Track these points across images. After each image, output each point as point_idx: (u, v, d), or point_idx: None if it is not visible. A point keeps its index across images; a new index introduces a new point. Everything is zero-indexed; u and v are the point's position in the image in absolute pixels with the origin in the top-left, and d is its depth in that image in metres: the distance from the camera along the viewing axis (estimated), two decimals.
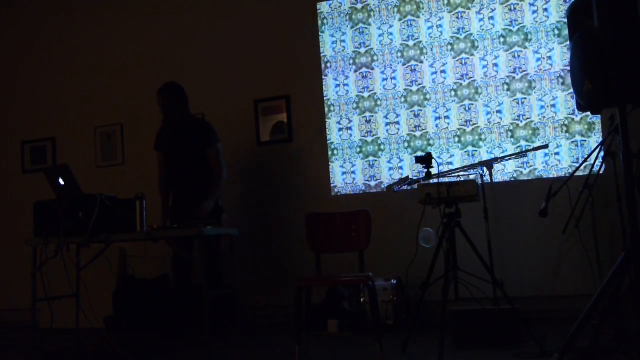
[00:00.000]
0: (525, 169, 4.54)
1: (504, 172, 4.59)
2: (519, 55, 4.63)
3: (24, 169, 6.11)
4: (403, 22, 4.94)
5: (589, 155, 3.66)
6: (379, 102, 4.96)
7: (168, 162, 4.55)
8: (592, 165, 3.59)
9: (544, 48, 4.57)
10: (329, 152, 5.07)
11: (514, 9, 4.66)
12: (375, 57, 5.00)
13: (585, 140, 4.44)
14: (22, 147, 6.12)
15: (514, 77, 4.64)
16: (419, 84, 4.86)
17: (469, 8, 4.78)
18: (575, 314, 2.66)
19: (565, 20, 3.19)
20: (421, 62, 4.87)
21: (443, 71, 4.80)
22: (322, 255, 3.71)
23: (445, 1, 4.84)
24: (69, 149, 5.90)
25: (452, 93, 4.78)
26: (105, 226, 3.73)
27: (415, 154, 4.79)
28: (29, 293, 3.87)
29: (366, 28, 5.04)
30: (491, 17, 4.72)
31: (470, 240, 3.40)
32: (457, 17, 4.80)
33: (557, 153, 4.50)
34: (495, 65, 4.68)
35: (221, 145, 4.49)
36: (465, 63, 4.76)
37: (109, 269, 4.06)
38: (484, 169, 3.98)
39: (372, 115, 4.97)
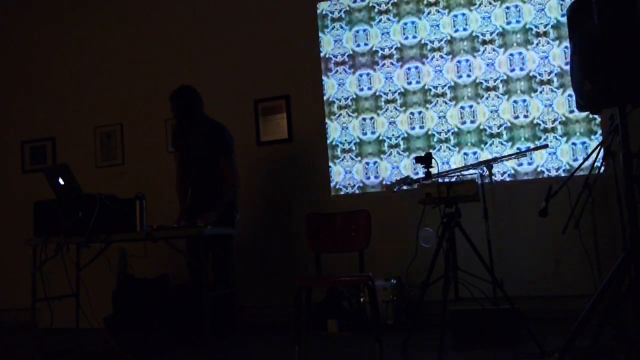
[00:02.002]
0: (525, 168, 4.55)
1: (504, 172, 4.59)
2: (520, 54, 4.64)
3: (24, 169, 6.11)
4: (403, 21, 4.94)
5: (589, 155, 3.65)
6: (379, 102, 4.96)
7: (184, 163, 4.53)
8: (592, 165, 3.59)
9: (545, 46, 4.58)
10: (329, 152, 5.07)
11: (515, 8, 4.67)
12: (375, 57, 5.00)
13: (585, 141, 4.45)
14: (22, 147, 6.12)
15: (514, 77, 4.64)
16: (420, 84, 4.87)
17: (470, 10, 4.78)
18: (575, 314, 2.66)
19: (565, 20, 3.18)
20: (423, 63, 4.87)
21: (440, 71, 4.81)
22: (322, 255, 3.71)
23: (445, 1, 4.84)
24: (69, 149, 5.91)
25: (453, 92, 4.78)
26: (105, 226, 3.73)
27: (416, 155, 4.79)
28: (29, 293, 3.87)
29: (366, 28, 5.04)
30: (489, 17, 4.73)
31: (470, 240, 3.40)
32: (457, 16, 4.81)
33: (554, 153, 4.50)
34: (494, 64, 4.69)
35: (235, 155, 4.45)
36: (466, 62, 4.76)
37: (109, 269, 4.06)
38: (484, 169, 3.98)
39: (373, 116, 4.97)
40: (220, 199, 4.27)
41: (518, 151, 4.46)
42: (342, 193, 5.02)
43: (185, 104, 4.31)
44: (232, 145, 4.45)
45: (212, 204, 4.24)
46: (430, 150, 4.67)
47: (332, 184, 5.05)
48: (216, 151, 4.38)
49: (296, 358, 3.22)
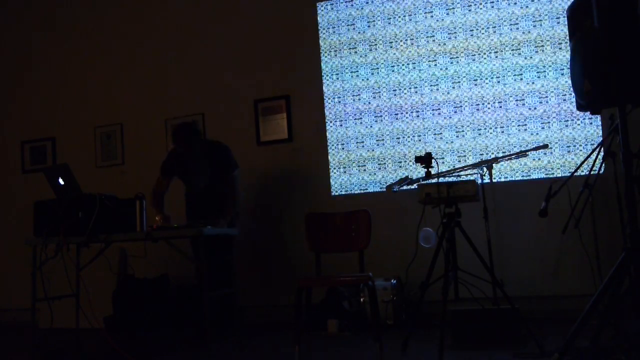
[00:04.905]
0: (524, 169, 4.55)
1: (504, 172, 4.59)
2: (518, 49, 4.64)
3: (24, 169, 6.11)
4: (406, 20, 4.94)
5: (589, 155, 3.65)
6: (379, 100, 4.97)
7: (186, 189, 4.66)
8: (592, 165, 3.59)
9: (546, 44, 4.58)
10: (329, 152, 5.07)
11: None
12: (375, 54, 5.00)
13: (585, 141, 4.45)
14: (22, 147, 6.12)
15: (514, 75, 4.65)
16: (420, 83, 4.87)
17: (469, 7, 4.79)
18: (575, 314, 2.66)
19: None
20: (422, 61, 4.87)
21: (441, 68, 4.82)
22: (322, 255, 3.71)
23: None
24: (69, 149, 5.91)
25: (453, 91, 4.78)
26: (105, 226, 3.73)
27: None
28: (29, 293, 3.87)
29: (366, 27, 5.04)
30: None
31: (470, 240, 3.40)
32: (458, 13, 4.81)
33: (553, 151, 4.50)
34: (495, 59, 4.69)
35: (239, 170, 4.56)
36: (467, 58, 4.77)
37: (109, 269, 4.06)
38: (484, 169, 3.97)
39: (374, 114, 4.98)
40: (222, 213, 4.32)
41: (518, 151, 4.45)
42: (342, 193, 5.02)
43: (190, 142, 4.43)
44: (236, 164, 4.54)
45: (216, 213, 4.27)
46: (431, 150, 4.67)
47: (332, 184, 5.05)
48: (219, 171, 4.48)
49: (296, 358, 3.21)
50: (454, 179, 3.66)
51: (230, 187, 4.48)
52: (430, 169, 3.48)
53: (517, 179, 4.57)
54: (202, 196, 4.53)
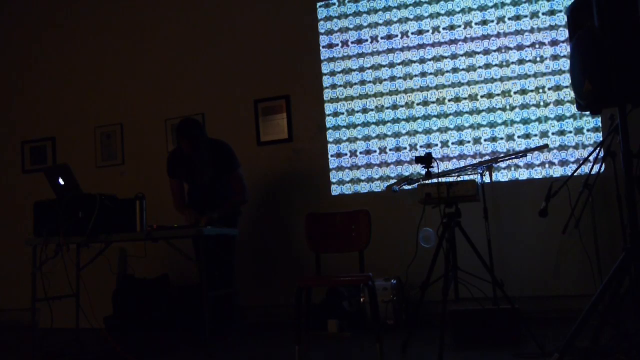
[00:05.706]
0: (524, 169, 4.55)
1: (504, 172, 4.59)
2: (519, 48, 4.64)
3: (24, 169, 6.10)
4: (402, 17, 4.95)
5: (589, 155, 3.66)
6: (380, 99, 4.97)
7: (189, 187, 4.61)
8: (592, 165, 3.59)
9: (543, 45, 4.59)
10: (329, 152, 5.07)
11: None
12: (375, 54, 5.01)
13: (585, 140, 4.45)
14: (22, 147, 6.12)
15: (514, 74, 4.65)
16: (420, 81, 4.87)
17: (469, 10, 4.79)
18: (575, 314, 2.66)
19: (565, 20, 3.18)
20: (423, 60, 4.87)
21: (444, 69, 4.82)
22: (322, 255, 3.71)
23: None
24: (69, 149, 5.90)
25: (453, 90, 4.78)
26: (105, 226, 3.73)
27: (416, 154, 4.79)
28: (29, 293, 3.87)
29: (366, 24, 5.05)
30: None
31: (470, 240, 3.40)
32: (457, 13, 4.81)
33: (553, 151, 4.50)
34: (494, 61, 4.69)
35: (242, 168, 4.51)
36: (468, 57, 4.77)
37: (109, 269, 4.06)
38: (484, 168, 3.97)
39: (374, 113, 4.98)
40: (222, 206, 4.32)
41: (518, 151, 4.45)
42: (342, 193, 5.02)
43: (196, 138, 4.37)
44: (238, 162, 4.50)
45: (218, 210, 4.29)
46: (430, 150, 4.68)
47: (332, 184, 5.05)
48: (222, 169, 4.45)
49: (296, 358, 3.22)
50: (454, 178, 3.66)
51: (237, 184, 4.44)
52: (430, 169, 3.48)
53: (517, 179, 4.57)
54: (205, 195, 4.51)
